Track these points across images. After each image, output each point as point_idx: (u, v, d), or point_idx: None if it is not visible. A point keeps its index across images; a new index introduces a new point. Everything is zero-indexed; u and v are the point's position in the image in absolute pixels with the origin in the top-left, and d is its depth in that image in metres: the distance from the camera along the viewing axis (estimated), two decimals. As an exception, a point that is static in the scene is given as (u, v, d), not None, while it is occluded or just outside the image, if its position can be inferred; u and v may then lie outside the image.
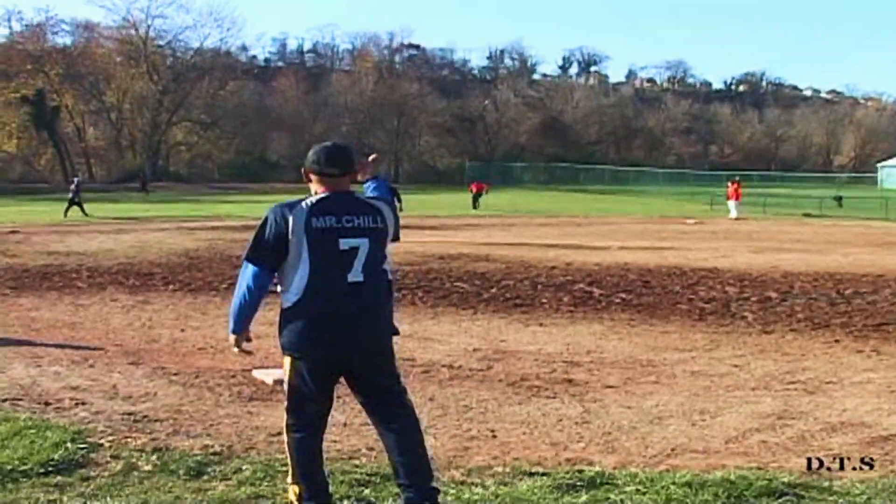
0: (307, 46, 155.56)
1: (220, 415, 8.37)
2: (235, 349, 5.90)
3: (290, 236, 5.50)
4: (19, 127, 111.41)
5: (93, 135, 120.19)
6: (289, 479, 5.83)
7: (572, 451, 7.36)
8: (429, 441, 7.34)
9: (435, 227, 37.98)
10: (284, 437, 5.79)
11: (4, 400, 8.81)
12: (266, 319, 14.11)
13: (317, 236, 5.52)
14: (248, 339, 5.88)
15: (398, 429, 5.78)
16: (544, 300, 16.34)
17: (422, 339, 12.39)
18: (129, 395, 9.12)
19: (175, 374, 10.12)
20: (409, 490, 5.70)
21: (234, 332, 5.80)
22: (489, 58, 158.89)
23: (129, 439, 7.37)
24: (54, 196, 70.33)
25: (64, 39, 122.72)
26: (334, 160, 5.74)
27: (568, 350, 11.91)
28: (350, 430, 7.81)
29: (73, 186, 47.83)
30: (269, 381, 9.64)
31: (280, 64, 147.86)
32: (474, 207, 55.23)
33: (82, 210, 45.31)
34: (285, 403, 5.75)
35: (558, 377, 10.23)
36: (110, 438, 7.37)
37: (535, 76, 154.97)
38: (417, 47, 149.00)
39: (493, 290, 17.38)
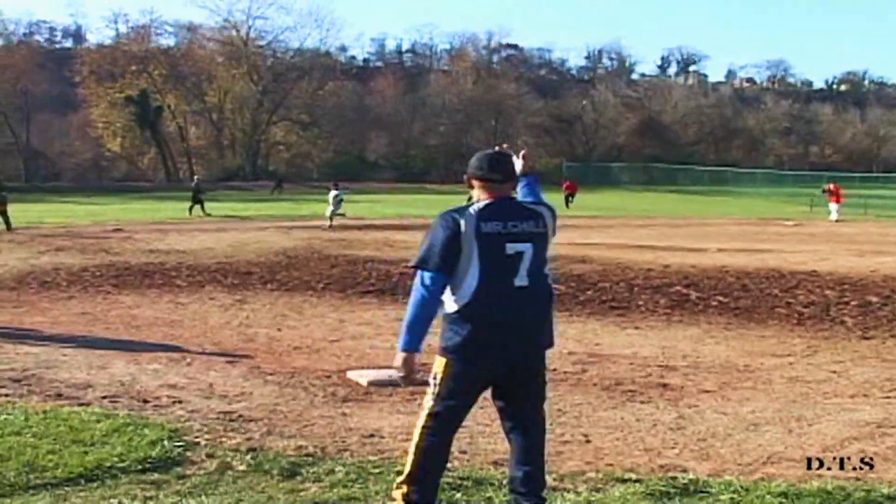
0: (405, 46, 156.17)
1: (314, 416, 8.43)
2: (401, 373, 5.65)
3: (462, 241, 5.53)
4: (124, 127, 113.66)
5: (194, 134, 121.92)
6: (399, 479, 5.79)
7: (666, 458, 7.30)
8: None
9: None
10: (415, 438, 5.71)
11: (104, 397, 8.99)
12: (363, 320, 14.20)
13: (486, 241, 5.55)
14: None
15: (530, 437, 5.77)
16: (640, 303, 16.24)
17: (516, 341, 12.35)
18: (225, 394, 9.24)
19: (271, 374, 10.23)
20: (521, 497, 5.68)
21: (407, 348, 5.60)
22: (587, 57, 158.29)
23: (224, 438, 7.46)
24: (157, 195, 71.49)
25: (167, 41, 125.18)
26: (497, 167, 5.79)
27: (663, 354, 11.82)
28: (443, 432, 7.83)
29: (193, 185, 48.61)
30: (364, 382, 9.69)
31: (379, 64, 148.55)
32: (566, 206, 56.35)
33: (190, 209, 46.17)
34: (428, 405, 5.69)
35: (653, 381, 10.16)
36: (206, 437, 7.47)
37: (634, 76, 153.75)
38: (515, 47, 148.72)
39: (590, 293, 17.31)
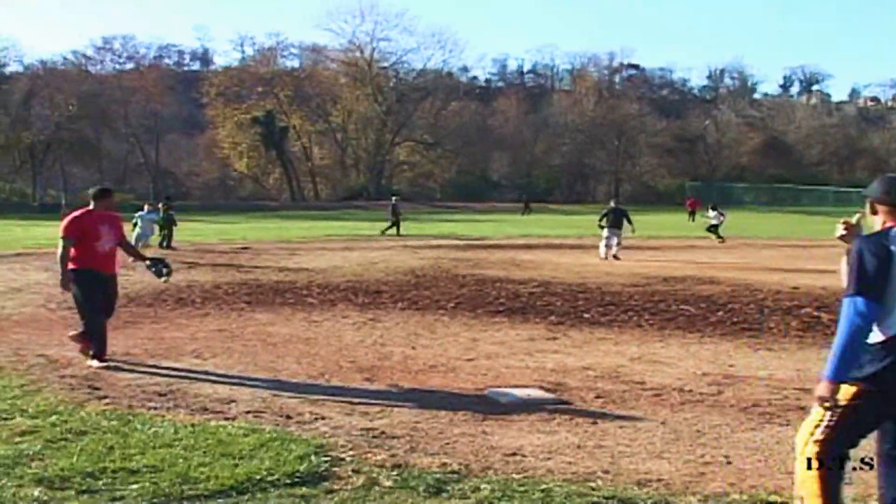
0: (527, 67, 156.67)
1: (456, 433, 8.51)
2: (825, 403, 5.44)
3: (892, 267, 5.34)
4: (250, 147, 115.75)
5: (318, 154, 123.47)
6: None
7: (810, 481, 7.24)
8: (663, 465, 7.36)
9: (657, 247, 37.84)
10: (810, 472, 5.58)
11: (248, 412, 9.20)
12: (495, 339, 14.26)
13: None
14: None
15: None
16: (771, 324, 16.07)
17: (651, 361, 12.38)
18: (365, 411, 9.36)
19: (409, 392, 10.36)
20: None
21: (837, 379, 5.38)
22: (709, 77, 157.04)
23: (369, 455, 7.58)
24: (282, 213, 72.43)
25: (292, 62, 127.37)
26: None
27: (798, 376, 11.66)
28: (584, 451, 7.87)
29: (390, 207, 48.98)
30: (503, 401, 9.76)
31: (500, 84, 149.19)
32: (691, 220, 60.37)
33: (397, 230, 47.06)
34: (824, 433, 5.53)
35: (790, 404, 10.05)
36: (351, 453, 7.60)
37: (756, 96, 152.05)
38: (637, 67, 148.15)
39: (720, 314, 17.17)
